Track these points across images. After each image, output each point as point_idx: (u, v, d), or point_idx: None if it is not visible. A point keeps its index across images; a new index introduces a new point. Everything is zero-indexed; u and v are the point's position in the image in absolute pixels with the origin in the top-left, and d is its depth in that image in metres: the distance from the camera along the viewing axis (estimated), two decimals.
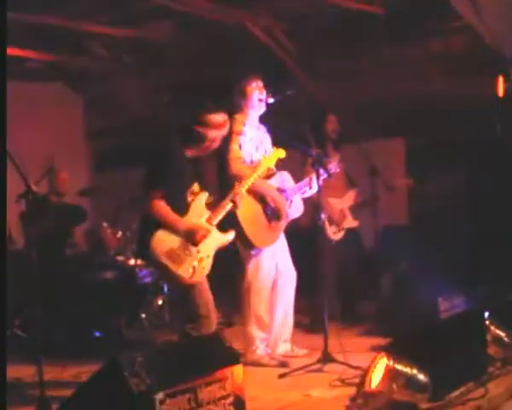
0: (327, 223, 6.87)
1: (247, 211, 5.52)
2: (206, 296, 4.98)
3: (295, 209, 5.92)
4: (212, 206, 5.08)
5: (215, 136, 5.04)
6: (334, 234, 6.99)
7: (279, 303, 5.87)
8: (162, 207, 4.88)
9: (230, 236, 5.20)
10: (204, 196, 5.06)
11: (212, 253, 5.01)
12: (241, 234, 5.48)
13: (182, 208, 4.95)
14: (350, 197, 7.21)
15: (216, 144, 5.12)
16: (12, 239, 7.03)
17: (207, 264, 4.97)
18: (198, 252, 4.92)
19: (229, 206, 5.13)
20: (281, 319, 5.88)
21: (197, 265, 4.90)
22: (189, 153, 5.07)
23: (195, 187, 5.05)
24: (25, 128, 8.37)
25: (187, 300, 4.94)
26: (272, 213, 5.72)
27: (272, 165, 5.61)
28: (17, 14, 7.02)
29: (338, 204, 7.06)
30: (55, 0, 7.11)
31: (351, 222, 7.18)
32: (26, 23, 7.30)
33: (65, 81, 10.05)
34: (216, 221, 5.05)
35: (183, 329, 5.03)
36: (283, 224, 5.81)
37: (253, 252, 5.72)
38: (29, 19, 7.25)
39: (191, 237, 4.88)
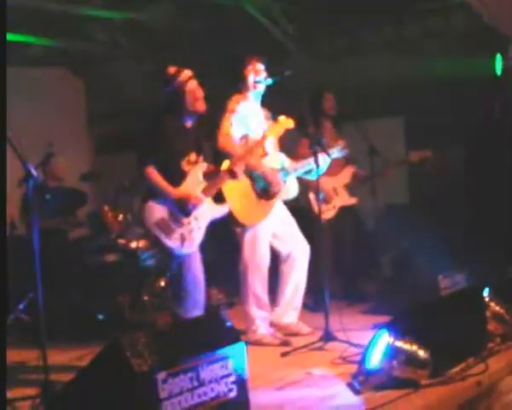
0: (313, 201, 6.88)
1: (234, 187, 5.51)
2: (196, 272, 5.00)
3: (290, 190, 5.92)
4: (210, 177, 5.10)
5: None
6: (324, 213, 6.98)
7: (291, 276, 5.89)
8: (155, 175, 4.91)
9: (225, 208, 5.21)
10: (202, 168, 5.07)
11: (204, 225, 5.02)
12: (229, 212, 5.47)
13: (177, 178, 4.98)
14: (345, 175, 7.21)
15: (197, 105, 5.10)
16: (14, 224, 7.05)
17: (198, 235, 4.99)
18: (189, 223, 4.94)
19: (227, 177, 5.15)
20: (292, 290, 5.91)
21: (187, 236, 4.92)
22: (182, 120, 5.09)
23: (192, 157, 5.07)
24: (27, 113, 8.39)
25: (177, 274, 4.97)
26: (262, 191, 5.72)
27: (280, 134, 5.62)
28: None
29: (330, 182, 7.05)
30: None
31: (346, 200, 7.19)
32: (25, 8, 7.28)
33: (66, 66, 10.05)
34: (212, 194, 5.07)
35: (171, 308, 5.07)
36: (275, 202, 5.80)
37: (241, 229, 5.71)
38: (28, 4, 7.24)
39: (182, 206, 4.89)
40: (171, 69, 5.16)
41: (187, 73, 5.14)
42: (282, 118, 5.58)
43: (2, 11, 4.21)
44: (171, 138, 5.02)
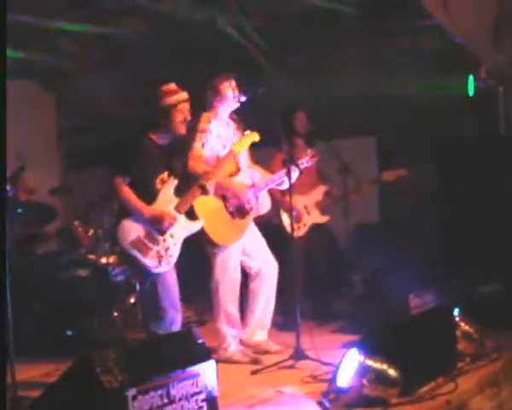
0: (284, 219, 6.91)
1: (207, 208, 5.51)
2: (172, 290, 4.98)
3: (262, 206, 5.92)
4: (181, 194, 5.09)
5: (175, 105, 5.05)
6: (294, 231, 6.99)
7: (260, 294, 5.89)
8: (128, 193, 4.90)
9: (199, 224, 5.21)
10: (173, 184, 5.06)
11: (179, 241, 5.02)
12: (201, 231, 5.44)
13: (149, 196, 4.97)
14: (317, 193, 7.22)
15: (181, 128, 5.10)
16: None
17: (174, 253, 4.98)
18: (164, 241, 4.93)
19: (198, 192, 5.15)
20: (262, 309, 5.90)
21: (164, 254, 4.91)
22: (158, 139, 5.09)
23: (165, 176, 5.06)
24: None
25: (151, 293, 4.95)
26: (235, 209, 5.72)
27: (246, 148, 5.63)
28: None
29: (302, 201, 7.06)
30: None
31: (317, 218, 7.20)
32: None
33: (36, 79, 9.98)
34: (184, 209, 5.07)
35: (147, 326, 5.04)
36: (248, 220, 5.80)
37: (216, 249, 5.72)
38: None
39: (157, 225, 4.89)
40: (171, 86, 5.14)
41: (184, 94, 5.14)
42: (247, 132, 5.61)
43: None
44: (146, 157, 5.01)
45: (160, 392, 3.62)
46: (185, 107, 5.14)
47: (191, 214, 5.20)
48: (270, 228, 6.36)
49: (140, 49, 8.78)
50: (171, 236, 4.98)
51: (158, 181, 5.03)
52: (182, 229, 5.05)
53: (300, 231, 7.03)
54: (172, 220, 4.95)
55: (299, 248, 6.74)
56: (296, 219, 6.95)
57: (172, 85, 5.17)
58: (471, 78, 7.27)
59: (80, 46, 8.84)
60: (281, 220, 6.94)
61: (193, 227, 5.16)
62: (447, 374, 4.66)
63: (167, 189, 5.05)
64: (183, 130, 5.14)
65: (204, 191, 5.21)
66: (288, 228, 6.80)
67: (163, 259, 4.90)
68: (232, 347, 5.72)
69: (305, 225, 7.10)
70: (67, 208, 8.47)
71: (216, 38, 8.34)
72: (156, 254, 4.89)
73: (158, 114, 5.10)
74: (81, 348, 5.53)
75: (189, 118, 5.15)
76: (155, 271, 4.89)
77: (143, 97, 5.42)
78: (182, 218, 5.06)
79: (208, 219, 5.49)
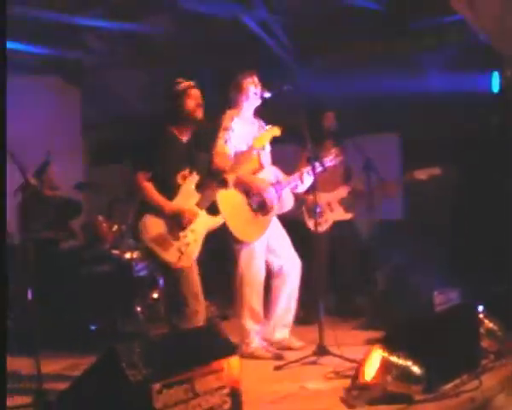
0: (306, 215, 6.91)
1: (230, 204, 5.53)
2: (194, 285, 4.99)
3: (285, 203, 5.93)
4: (203, 189, 5.10)
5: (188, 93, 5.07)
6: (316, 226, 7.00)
7: (282, 291, 5.90)
8: (149, 189, 4.91)
9: (220, 220, 5.22)
10: (194, 180, 5.07)
11: (200, 237, 5.03)
12: (224, 227, 5.46)
13: (171, 191, 4.98)
14: (342, 191, 7.22)
15: (197, 112, 5.11)
16: (9, 233, 7.02)
17: (195, 248, 4.99)
18: (185, 236, 4.94)
19: (218, 187, 5.16)
20: (283, 306, 5.91)
21: (184, 249, 4.92)
22: (180, 133, 5.10)
23: (187, 171, 5.07)
24: (22, 122, 8.37)
25: (173, 287, 4.96)
26: (258, 206, 5.73)
27: (267, 142, 5.64)
28: (14, 7, 7.03)
29: (325, 197, 7.06)
30: None
31: (341, 215, 7.20)
32: (24, 16, 7.29)
33: (62, 74, 10.04)
34: (206, 205, 5.08)
35: (169, 320, 5.06)
36: (271, 217, 5.82)
37: (239, 246, 5.73)
38: (27, 12, 7.24)
39: (178, 221, 4.90)
40: (176, 79, 5.18)
41: (190, 82, 5.16)
42: (268, 126, 5.60)
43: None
44: (168, 152, 5.03)
45: (184, 386, 3.63)
46: (195, 92, 5.14)
47: (213, 210, 5.20)
48: (293, 225, 6.36)
49: (164, 46, 8.81)
50: (192, 231, 4.99)
51: (179, 177, 5.04)
52: (203, 225, 5.06)
53: (322, 228, 7.03)
54: (193, 216, 4.96)
55: (321, 245, 6.75)
56: (318, 215, 6.95)
57: (179, 79, 5.19)
58: (495, 74, 7.23)
59: (105, 42, 8.88)
60: (303, 217, 6.95)
61: (214, 223, 5.17)
62: (471, 371, 4.64)
63: (188, 184, 5.06)
64: (199, 114, 5.12)
65: (224, 185, 5.22)
66: (310, 224, 6.84)
67: (183, 254, 4.90)
68: (255, 342, 5.74)
69: (327, 221, 7.11)
70: (92, 204, 8.52)
71: (240, 35, 8.35)
72: (177, 249, 4.90)
73: (172, 104, 5.12)
74: (104, 343, 5.58)
75: (201, 102, 5.15)
76: (175, 266, 4.90)
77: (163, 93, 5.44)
78: (203, 214, 5.07)
79: (231, 215, 5.51)
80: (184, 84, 5.12)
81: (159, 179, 4.97)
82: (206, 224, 5.10)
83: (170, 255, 4.89)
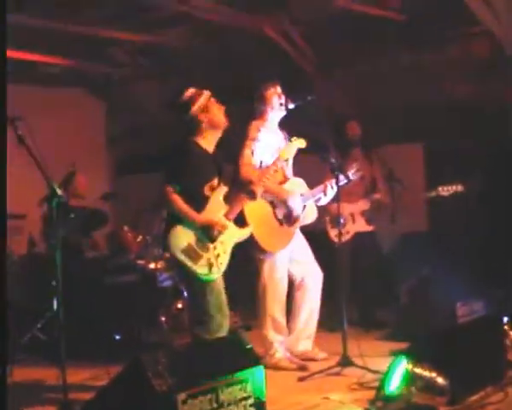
0: (329, 225, 6.92)
1: (256, 214, 5.53)
2: (220, 296, 5.00)
3: (309, 215, 5.93)
4: (230, 201, 5.12)
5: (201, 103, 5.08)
6: (337, 237, 6.99)
7: (304, 303, 5.90)
8: (178, 201, 4.92)
9: (248, 231, 5.23)
10: (222, 191, 5.09)
11: (229, 249, 5.04)
12: (250, 237, 5.46)
13: (199, 203, 4.99)
14: (365, 202, 7.22)
15: (221, 125, 5.13)
16: (33, 242, 7.08)
17: (224, 260, 5.00)
18: (215, 248, 4.95)
19: (246, 198, 5.18)
20: (305, 318, 5.91)
21: (214, 261, 4.93)
22: (205, 143, 5.12)
23: (215, 182, 5.09)
24: (47, 132, 8.45)
25: (199, 298, 4.97)
26: (283, 217, 5.74)
27: (292, 154, 5.64)
28: (40, 20, 7.11)
29: (348, 208, 7.05)
30: (76, 6, 7.17)
31: (362, 227, 7.20)
32: (48, 29, 7.37)
33: (86, 86, 10.13)
34: (234, 216, 5.09)
35: (192, 330, 5.07)
36: (296, 228, 5.82)
37: (263, 256, 5.75)
38: (51, 25, 7.32)
39: (207, 233, 4.91)
40: (190, 91, 5.19)
41: (206, 92, 5.18)
42: (293, 138, 5.62)
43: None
44: (196, 164, 5.04)
45: (209, 396, 3.66)
46: (212, 101, 5.14)
47: (240, 221, 5.22)
48: (314, 235, 6.37)
49: (187, 58, 8.86)
50: (221, 243, 5.01)
51: (207, 188, 5.06)
52: (231, 236, 5.08)
53: (343, 238, 7.02)
54: (222, 228, 4.98)
55: (343, 256, 6.74)
56: (340, 226, 6.95)
57: (192, 90, 5.19)
58: None
59: (129, 55, 8.95)
60: (325, 227, 6.96)
61: (242, 234, 5.18)
62: (496, 383, 4.61)
63: (217, 196, 5.07)
64: (222, 121, 5.13)
65: (253, 197, 5.23)
66: (332, 235, 6.85)
67: (213, 266, 4.92)
68: (279, 353, 5.73)
69: (348, 232, 7.11)
70: (117, 214, 8.57)
71: (263, 46, 8.38)
72: (207, 261, 4.91)
73: (192, 118, 5.14)
74: (129, 353, 5.61)
75: (221, 109, 5.16)
76: (205, 278, 4.91)
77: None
78: (231, 225, 5.08)
79: (257, 225, 5.52)
80: (202, 96, 5.14)
81: (187, 191, 4.99)
82: (235, 235, 5.12)
83: (200, 267, 4.90)
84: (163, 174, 5.04)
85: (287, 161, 5.79)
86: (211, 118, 5.09)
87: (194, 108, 5.06)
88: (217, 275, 4.94)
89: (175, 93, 5.32)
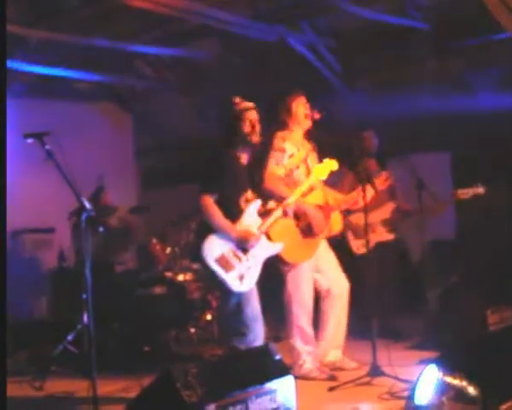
0: (350, 236, 6.91)
1: (279, 226, 5.53)
2: (254, 306, 5.02)
3: (334, 225, 5.91)
4: (264, 215, 5.14)
5: (249, 117, 5.11)
6: (358, 249, 6.97)
7: (331, 313, 5.88)
8: (214, 211, 4.95)
9: (279, 246, 5.24)
10: (257, 204, 5.11)
11: (260, 262, 5.06)
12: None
13: (235, 214, 5.01)
14: (384, 211, 7.17)
15: (253, 136, 5.14)
16: (63, 256, 7.15)
17: (256, 273, 5.02)
18: (247, 260, 4.97)
19: (278, 214, 5.19)
20: (333, 328, 5.89)
21: (245, 273, 4.95)
22: (239, 155, 5.14)
23: (249, 194, 5.12)
24: (76, 146, 8.56)
25: (234, 309, 4.99)
26: (306, 229, 5.73)
27: (324, 176, 5.64)
28: (66, 35, 7.19)
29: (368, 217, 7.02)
30: (102, 21, 7.24)
31: (383, 236, 7.16)
32: (75, 44, 7.45)
33: (114, 100, 10.22)
34: (266, 230, 5.11)
35: (228, 341, 5.08)
36: (320, 239, 5.81)
37: (287, 267, 5.74)
38: (78, 40, 7.40)
39: (242, 244, 4.93)
40: (235, 98, 5.23)
41: (249, 103, 5.21)
42: (326, 160, 5.61)
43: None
44: (234, 175, 5.08)
45: (238, 407, 3.67)
46: (252, 115, 5.18)
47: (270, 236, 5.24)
48: (337, 245, 6.36)
49: (212, 70, 8.90)
50: (253, 256, 5.03)
51: (243, 199, 5.10)
52: (263, 249, 5.10)
53: (363, 249, 7.00)
54: (256, 240, 5.01)
55: (367, 265, 6.72)
56: (359, 236, 6.94)
57: (237, 98, 5.23)
58: None
59: (156, 68, 9.02)
60: (345, 237, 6.95)
61: (274, 249, 5.20)
62: None
63: (252, 208, 5.10)
64: (256, 138, 5.17)
65: (285, 215, 5.26)
66: (354, 245, 6.84)
67: (244, 278, 4.94)
68: (308, 364, 5.72)
69: (368, 242, 7.07)
70: (145, 227, 8.63)
71: (288, 58, 8.39)
72: (238, 272, 4.93)
73: (229, 127, 5.17)
74: (158, 364, 5.64)
75: (258, 126, 5.19)
76: (236, 289, 4.93)
77: (217, 116, 5.49)
78: (263, 239, 5.10)
79: (279, 237, 5.52)
80: (242, 105, 5.17)
81: (223, 201, 5.02)
82: (267, 249, 5.14)
83: (231, 278, 4.92)
84: (200, 183, 5.07)
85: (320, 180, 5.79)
86: (251, 131, 5.13)
87: (245, 125, 5.10)
88: (247, 288, 4.96)
89: (218, 104, 5.36)
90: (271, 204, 5.32)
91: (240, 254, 4.94)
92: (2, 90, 4.32)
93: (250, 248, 4.97)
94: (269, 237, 5.23)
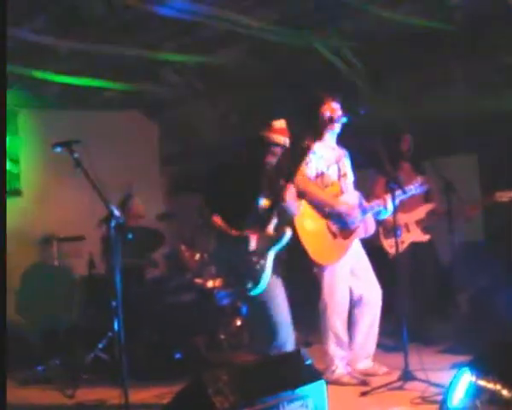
0: (382, 236, 6.88)
1: (309, 227, 5.54)
2: (281, 309, 5.03)
3: (368, 228, 5.90)
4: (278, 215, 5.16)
5: (278, 141, 5.15)
6: (391, 248, 6.92)
7: (363, 320, 5.86)
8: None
9: (287, 235, 5.19)
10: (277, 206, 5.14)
11: (270, 262, 5.07)
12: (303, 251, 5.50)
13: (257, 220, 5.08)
14: (420, 212, 7.14)
15: (275, 158, 5.19)
16: (94, 263, 7.18)
17: (268, 273, 5.04)
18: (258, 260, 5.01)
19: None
20: (364, 335, 5.87)
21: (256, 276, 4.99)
22: (265, 162, 5.19)
23: (271, 198, 5.14)
24: (103, 155, 8.62)
25: (262, 313, 5.00)
26: (338, 230, 5.72)
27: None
28: (94, 45, 7.24)
29: (403, 218, 6.99)
30: (129, 30, 7.27)
31: (417, 236, 7.13)
32: (101, 54, 7.50)
33: (140, 108, 10.27)
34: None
35: (258, 347, 5.09)
36: (351, 240, 5.79)
37: (318, 269, 5.72)
38: (104, 49, 7.44)
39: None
40: (280, 124, 5.28)
41: (286, 140, 5.27)
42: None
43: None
44: (255, 180, 5.13)
45: None
46: (278, 151, 5.24)
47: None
48: (369, 247, 6.34)
49: (238, 77, 8.91)
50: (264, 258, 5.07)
51: (263, 203, 5.14)
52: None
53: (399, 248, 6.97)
54: (272, 244, 5.05)
55: (400, 267, 6.68)
56: (397, 236, 6.90)
57: (281, 124, 5.26)
58: None
59: (182, 76, 9.04)
60: (378, 237, 6.92)
61: (280, 241, 5.19)
62: None
63: (271, 211, 5.13)
64: (286, 144, 5.24)
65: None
66: (386, 245, 6.81)
67: (260, 279, 4.98)
68: (340, 369, 5.70)
69: (403, 242, 7.04)
70: (174, 233, 8.65)
71: (314, 62, 8.38)
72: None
73: (256, 156, 5.22)
74: (189, 371, 5.65)
75: (274, 161, 5.25)
76: (251, 292, 4.97)
77: (246, 125, 5.53)
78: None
79: (309, 238, 5.53)
80: (277, 138, 5.23)
81: (227, 212, 5.10)
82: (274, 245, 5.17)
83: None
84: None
85: (344, 176, 5.79)
86: (278, 143, 5.21)
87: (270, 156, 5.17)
88: (261, 288, 4.98)
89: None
90: None
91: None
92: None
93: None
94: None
